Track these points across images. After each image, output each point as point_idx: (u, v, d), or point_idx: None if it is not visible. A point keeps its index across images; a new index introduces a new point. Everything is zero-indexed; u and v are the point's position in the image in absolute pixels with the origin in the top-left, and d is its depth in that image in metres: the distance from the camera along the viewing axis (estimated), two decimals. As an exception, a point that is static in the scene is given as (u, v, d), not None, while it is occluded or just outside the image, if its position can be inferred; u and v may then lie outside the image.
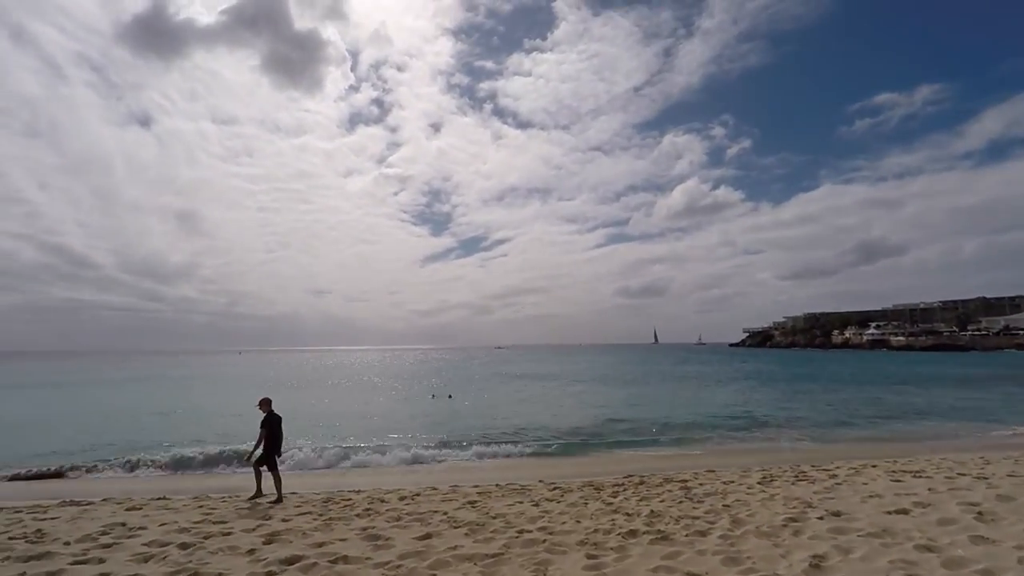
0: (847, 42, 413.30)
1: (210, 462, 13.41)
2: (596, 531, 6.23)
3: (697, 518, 6.71)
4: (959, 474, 9.09)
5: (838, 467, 10.48)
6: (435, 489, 9.56)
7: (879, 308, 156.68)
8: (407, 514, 7.38)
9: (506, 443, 15.76)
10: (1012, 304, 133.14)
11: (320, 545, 5.86)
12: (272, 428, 8.62)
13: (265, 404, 8.76)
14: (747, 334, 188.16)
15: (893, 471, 9.68)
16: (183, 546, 5.87)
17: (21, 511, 7.76)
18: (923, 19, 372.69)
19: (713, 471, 10.72)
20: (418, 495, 8.93)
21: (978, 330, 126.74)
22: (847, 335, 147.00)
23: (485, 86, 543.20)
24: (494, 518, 7.05)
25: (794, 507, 7.08)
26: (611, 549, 5.54)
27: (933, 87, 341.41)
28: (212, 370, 68.45)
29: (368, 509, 7.77)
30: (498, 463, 13.87)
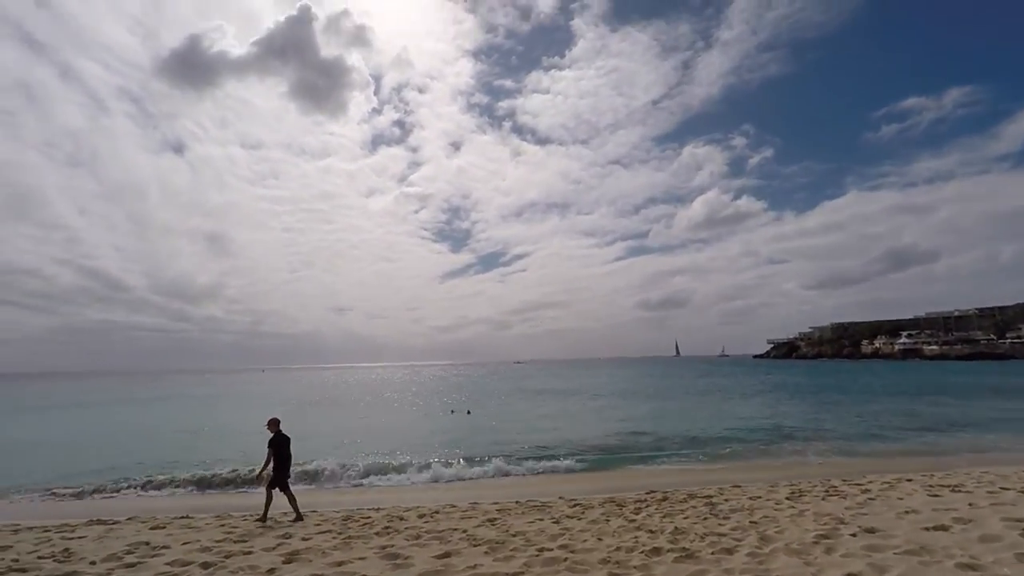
0: (870, 48, 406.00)
1: (232, 481, 13.55)
2: (619, 549, 6.09)
3: (723, 535, 6.51)
4: (1002, 488, 8.66)
5: (871, 481, 10.11)
6: (454, 506, 9.50)
7: (911, 316, 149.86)
8: (426, 532, 7.34)
9: (526, 459, 15.59)
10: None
11: (339, 564, 5.85)
12: (279, 449, 8.51)
13: (273, 424, 8.70)
14: (772, 345, 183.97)
15: (930, 485, 9.30)
16: (204, 565, 5.92)
17: (50, 530, 7.95)
18: (948, 22, 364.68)
19: (739, 486, 10.43)
20: (437, 512, 8.88)
21: (1018, 338, 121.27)
22: (877, 345, 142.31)
23: (504, 104, 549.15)
24: (514, 536, 6.96)
25: (825, 523, 6.82)
26: (634, 568, 5.40)
27: (963, 89, 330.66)
28: (236, 388, 69.65)
29: (387, 527, 7.75)
30: (517, 479, 13.73)
